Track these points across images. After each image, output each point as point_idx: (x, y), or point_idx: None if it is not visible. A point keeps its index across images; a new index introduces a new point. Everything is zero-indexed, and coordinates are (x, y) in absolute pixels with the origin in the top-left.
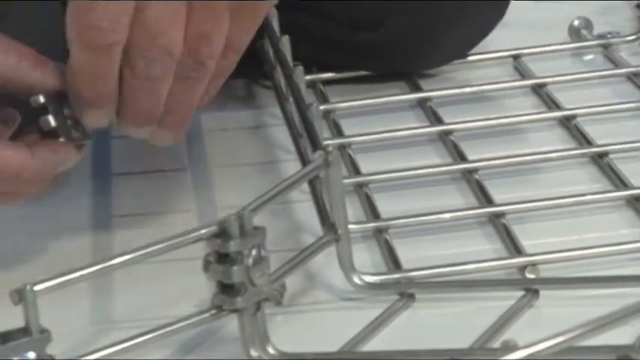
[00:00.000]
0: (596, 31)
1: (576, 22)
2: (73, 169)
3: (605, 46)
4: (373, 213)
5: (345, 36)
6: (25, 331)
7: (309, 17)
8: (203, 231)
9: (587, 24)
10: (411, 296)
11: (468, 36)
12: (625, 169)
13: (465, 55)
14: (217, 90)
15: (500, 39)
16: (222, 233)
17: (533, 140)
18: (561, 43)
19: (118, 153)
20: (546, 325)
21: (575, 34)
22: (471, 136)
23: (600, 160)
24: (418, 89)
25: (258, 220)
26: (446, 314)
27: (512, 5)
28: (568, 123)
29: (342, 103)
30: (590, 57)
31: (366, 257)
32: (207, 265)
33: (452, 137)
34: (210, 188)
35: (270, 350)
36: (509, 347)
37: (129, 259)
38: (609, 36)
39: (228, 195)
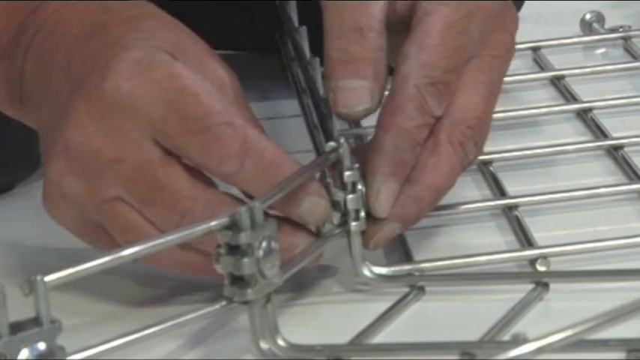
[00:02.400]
0: (608, 24)
1: (588, 16)
2: None
3: (625, 39)
4: None
5: None
6: (35, 321)
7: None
8: (214, 223)
9: (599, 17)
10: (421, 289)
11: None
12: None
13: None
14: None
15: None
16: (233, 225)
17: (549, 132)
18: (580, 36)
19: None
20: (556, 319)
21: (586, 27)
22: None
23: (615, 152)
24: None
25: None
26: (456, 307)
27: None
28: (585, 115)
29: None
30: (607, 50)
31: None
32: (217, 257)
33: None
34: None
35: (280, 342)
36: (519, 340)
37: (140, 250)
38: (621, 30)
39: None
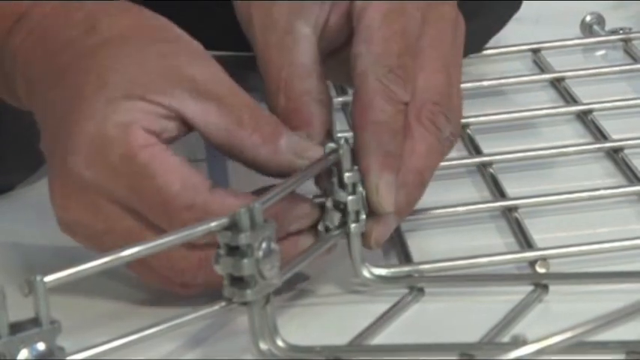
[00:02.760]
0: (608, 26)
1: (588, 18)
2: None
3: (625, 41)
4: None
5: None
6: (35, 321)
7: None
8: (214, 223)
9: (600, 19)
10: (421, 290)
11: (481, 31)
12: None
13: (479, 50)
14: None
15: (512, 34)
16: (233, 226)
17: (549, 134)
18: (580, 38)
19: None
20: (556, 320)
21: (587, 29)
22: (487, 130)
23: (615, 154)
24: None
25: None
26: (455, 308)
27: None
28: (585, 117)
29: None
30: (608, 52)
31: (376, 250)
32: (217, 258)
33: (468, 130)
34: (227, 180)
35: (280, 343)
36: (519, 342)
37: (140, 251)
38: (621, 32)
39: (244, 187)
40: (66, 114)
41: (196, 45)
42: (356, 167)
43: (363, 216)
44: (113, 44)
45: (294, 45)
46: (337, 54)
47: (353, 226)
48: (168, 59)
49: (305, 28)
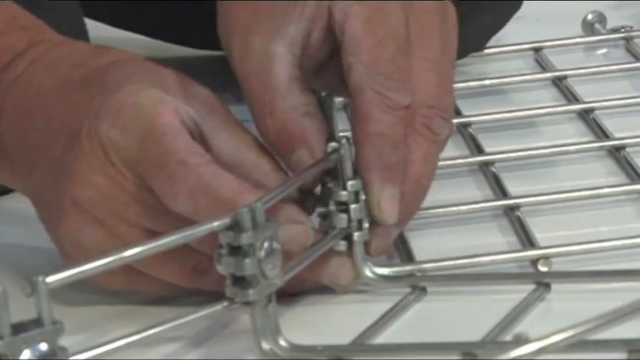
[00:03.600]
0: (610, 25)
1: (590, 16)
2: None
3: (627, 40)
4: None
5: None
6: (37, 322)
7: None
8: (216, 223)
9: (601, 18)
10: (423, 289)
11: (482, 30)
12: None
13: (480, 49)
14: None
15: (513, 33)
16: (235, 226)
17: (550, 133)
18: (581, 36)
19: None
20: (558, 319)
21: (588, 28)
22: (489, 129)
23: (617, 153)
24: None
25: None
26: (457, 307)
27: None
28: (586, 116)
29: None
30: (609, 50)
31: None
32: (219, 258)
33: (470, 129)
34: None
35: (282, 342)
36: (521, 340)
37: (141, 251)
38: (623, 30)
39: None
40: (91, 99)
41: None
42: (358, 176)
43: (367, 224)
44: (126, 62)
45: (271, 66)
46: (328, 67)
47: (356, 234)
48: (181, 76)
49: (279, 48)
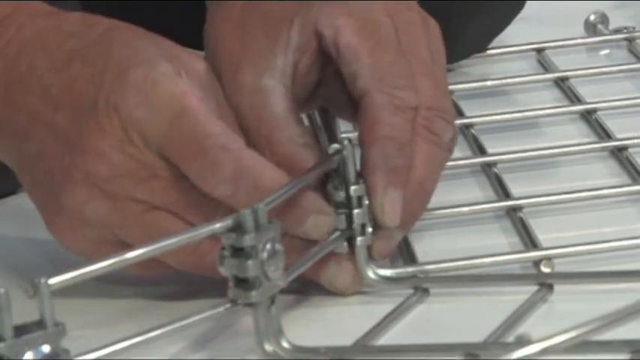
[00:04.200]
0: (612, 25)
1: (592, 17)
2: None
3: (629, 40)
4: None
5: None
6: (39, 324)
7: None
8: (218, 225)
9: (604, 19)
10: (425, 290)
11: (485, 31)
12: None
13: (482, 50)
14: None
15: (516, 33)
16: (237, 227)
17: (553, 134)
18: (584, 37)
19: None
20: (560, 320)
21: (591, 28)
22: (491, 130)
23: (620, 153)
24: None
25: None
26: (460, 308)
27: None
28: (589, 117)
29: None
30: (611, 51)
31: None
32: (221, 259)
33: (472, 130)
34: None
35: (285, 344)
36: (523, 341)
37: (144, 253)
38: (625, 31)
39: None
40: (103, 69)
41: None
42: (361, 180)
43: (370, 229)
44: (121, 27)
45: (265, 101)
46: (318, 92)
47: (359, 239)
48: (177, 46)
49: (270, 82)
